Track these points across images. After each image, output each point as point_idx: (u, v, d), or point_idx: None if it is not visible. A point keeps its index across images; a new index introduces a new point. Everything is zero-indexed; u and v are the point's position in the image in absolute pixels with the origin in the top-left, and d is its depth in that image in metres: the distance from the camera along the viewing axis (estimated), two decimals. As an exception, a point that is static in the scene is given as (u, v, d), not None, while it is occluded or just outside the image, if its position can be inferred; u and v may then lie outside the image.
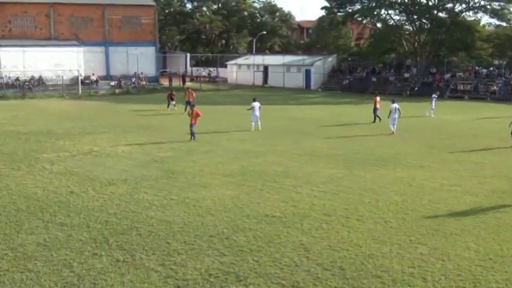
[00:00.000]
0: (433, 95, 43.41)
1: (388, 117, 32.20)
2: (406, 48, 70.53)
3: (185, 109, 37.66)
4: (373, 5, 69.94)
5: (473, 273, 11.77)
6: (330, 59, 75.10)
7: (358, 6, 71.85)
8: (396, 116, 31.67)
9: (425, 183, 19.75)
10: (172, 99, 43.27)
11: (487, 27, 72.09)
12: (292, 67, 73.92)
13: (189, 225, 14.63)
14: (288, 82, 72.14)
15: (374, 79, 68.15)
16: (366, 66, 71.30)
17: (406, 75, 67.73)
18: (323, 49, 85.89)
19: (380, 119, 36.42)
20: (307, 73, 72.15)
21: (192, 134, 28.11)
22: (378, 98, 37.56)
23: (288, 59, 75.40)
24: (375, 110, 37.03)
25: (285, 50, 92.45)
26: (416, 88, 63.66)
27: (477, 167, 22.65)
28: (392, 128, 31.72)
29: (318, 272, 11.71)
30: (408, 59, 71.43)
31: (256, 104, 32.34)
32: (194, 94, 42.27)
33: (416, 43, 68.51)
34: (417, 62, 68.14)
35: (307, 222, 14.98)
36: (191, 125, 28.14)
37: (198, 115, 28.34)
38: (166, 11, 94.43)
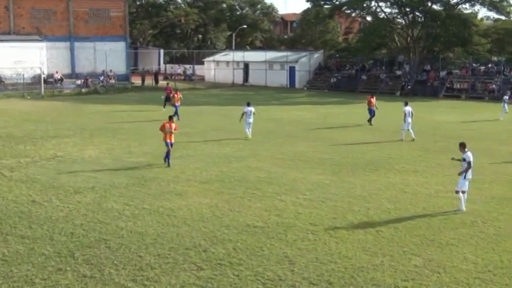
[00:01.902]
0: (505, 97, 43.16)
1: (404, 121, 31.16)
2: (398, 44, 70.98)
3: (175, 114, 36.17)
4: (363, -4, 70.38)
5: (471, 286, 11.87)
6: (316, 55, 75.40)
7: (346, -2, 72.28)
8: (410, 120, 30.95)
9: (419, 190, 19.89)
10: (168, 99, 42.36)
11: (485, 20, 72.74)
12: (275, 64, 74.05)
13: (163, 236, 14.58)
14: (271, 80, 72.26)
15: (364, 77, 68.55)
16: (355, 63, 71.58)
17: (399, 72, 68.18)
18: (309, 45, 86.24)
19: (371, 123, 36.47)
20: (292, 71, 72.32)
21: (167, 156, 23.34)
22: (374, 99, 37.18)
23: (271, 55, 75.51)
24: (372, 111, 36.72)
25: (267, 46, 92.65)
26: (409, 87, 64.08)
27: (475, 172, 22.76)
28: (412, 133, 30.76)
29: (304, 287, 11.73)
30: (400, 55, 71.87)
31: (249, 109, 30.38)
32: (180, 96, 39.50)
33: (409, 38, 68.97)
34: (410, 59, 68.62)
35: (291, 233, 15.00)
36: (167, 144, 23.34)
37: (174, 130, 23.79)
38: (138, 3, 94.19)
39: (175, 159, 24.36)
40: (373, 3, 71.75)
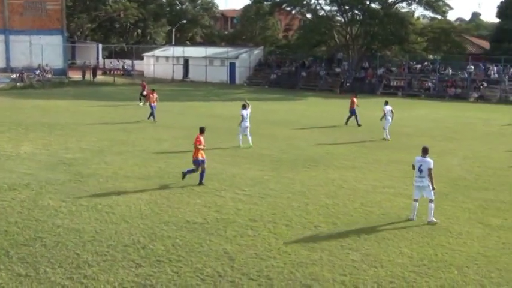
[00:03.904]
0: None
1: (385, 120, 30.94)
2: (338, 41, 71.72)
3: (150, 116, 34.95)
4: (302, -7, 70.84)
5: (407, 280, 12.13)
6: (256, 51, 75.62)
7: (286, -5, 72.59)
8: (391, 119, 30.86)
9: (357, 185, 20.21)
10: (142, 95, 42.36)
11: (421, 19, 74.31)
12: (216, 60, 73.96)
13: (100, 234, 14.40)
14: (211, 76, 72.11)
15: (304, 74, 69.10)
16: (294, 59, 72.13)
17: (338, 69, 69.03)
18: (249, 41, 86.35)
19: (357, 124, 35.47)
20: (232, 67, 72.36)
21: (202, 175, 19.75)
22: (356, 99, 35.93)
23: (211, 51, 75.39)
24: (353, 111, 35.50)
25: (207, 41, 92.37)
26: (348, 84, 64.97)
27: (410, 168, 23.21)
28: (387, 133, 30.64)
29: (244, 283, 11.78)
30: (339, 52, 72.70)
31: (246, 112, 27.53)
32: (156, 95, 36.52)
33: (348, 36, 69.79)
34: (349, 56, 69.49)
35: (231, 229, 15.03)
36: (197, 161, 19.75)
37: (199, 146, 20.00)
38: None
39: (114, 155, 24.11)
40: (312, 0, 72.24)
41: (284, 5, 74.60)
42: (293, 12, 78.71)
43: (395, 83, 63.66)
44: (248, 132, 27.39)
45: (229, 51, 74.60)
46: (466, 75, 61.11)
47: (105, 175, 20.60)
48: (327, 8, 72.07)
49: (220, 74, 72.32)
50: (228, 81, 71.84)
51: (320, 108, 47.04)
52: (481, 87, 59.28)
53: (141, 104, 41.97)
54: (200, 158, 19.61)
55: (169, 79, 72.61)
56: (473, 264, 13.08)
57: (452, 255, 13.62)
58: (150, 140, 28.46)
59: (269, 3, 75.54)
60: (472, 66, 61.67)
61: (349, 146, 28.36)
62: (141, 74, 76.51)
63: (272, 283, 11.79)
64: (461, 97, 58.23)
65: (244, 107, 27.91)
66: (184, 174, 19.80)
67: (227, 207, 17.04)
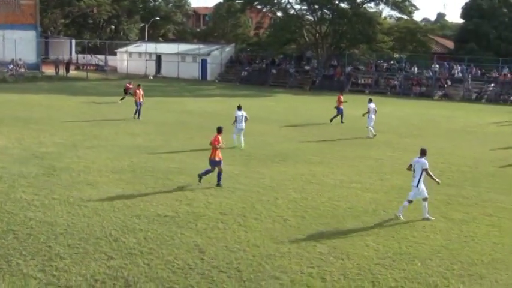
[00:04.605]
0: None
1: (368, 117, 30.89)
2: (307, 39, 71.98)
3: (136, 113, 33.75)
4: (273, -8, 70.97)
5: (373, 272, 12.25)
6: (227, 48, 75.52)
7: (257, -7, 72.63)
8: (374, 116, 30.77)
9: (325, 180, 20.32)
10: (125, 91, 42.01)
11: (388, 19, 74.95)
12: (188, 56, 73.69)
13: (73, 226, 14.29)
14: (183, 72, 71.88)
15: (274, 71, 69.25)
16: (265, 57, 72.24)
17: (307, 67, 69.30)
18: (221, 38, 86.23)
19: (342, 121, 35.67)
20: (204, 63, 72.20)
21: (206, 173, 19.01)
22: (342, 97, 36.10)
23: (183, 47, 75.05)
24: (339, 109, 35.68)
25: (179, 38, 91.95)
26: (317, 81, 65.24)
27: (377, 163, 23.57)
28: (372, 130, 30.63)
29: (214, 275, 11.79)
30: (309, 50, 72.93)
31: (241, 114, 26.39)
32: (142, 92, 34.62)
33: (317, 34, 70.13)
34: (318, 54, 69.80)
35: (202, 222, 15.03)
36: (213, 162, 18.82)
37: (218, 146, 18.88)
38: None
39: (87, 150, 23.92)
40: (283, -1, 72.52)
41: (255, 3, 74.59)
42: (264, 10, 78.72)
43: (362, 81, 64.15)
44: (242, 135, 26.34)
45: (201, 48, 74.42)
46: (431, 74, 61.83)
47: (77, 169, 20.43)
48: (297, 6, 72.47)
49: (192, 70, 72.12)
50: (200, 78, 71.64)
51: (290, 104, 47.16)
52: (445, 85, 60.08)
53: (120, 101, 41.20)
54: (217, 158, 18.68)
55: (142, 75, 72.14)
56: (436, 256, 13.25)
57: (416, 248, 13.78)
58: (123, 134, 28.29)
59: (241, 1, 75.55)
60: (437, 65, 62.46)
61: (318, 142, 28.50)
62: (114, 70, 75.96)
63: (241, 275, 11.82)
64: (426, 95, 58.93)
65: (239, 108, 26.77)
66: (200, 176, 18.92)
67: (198, 201, 17.02)
